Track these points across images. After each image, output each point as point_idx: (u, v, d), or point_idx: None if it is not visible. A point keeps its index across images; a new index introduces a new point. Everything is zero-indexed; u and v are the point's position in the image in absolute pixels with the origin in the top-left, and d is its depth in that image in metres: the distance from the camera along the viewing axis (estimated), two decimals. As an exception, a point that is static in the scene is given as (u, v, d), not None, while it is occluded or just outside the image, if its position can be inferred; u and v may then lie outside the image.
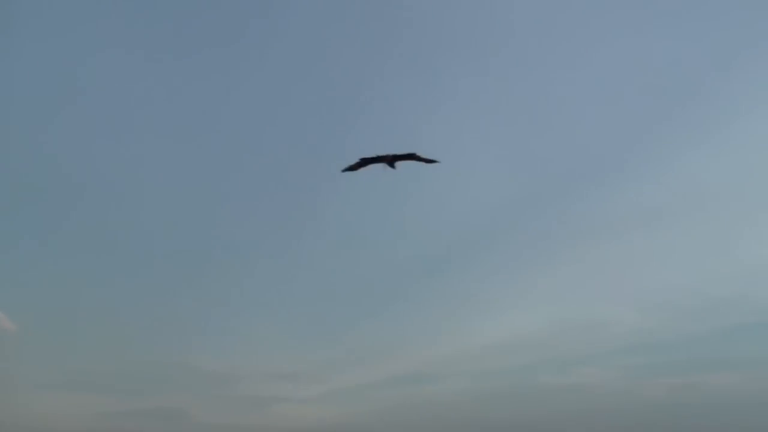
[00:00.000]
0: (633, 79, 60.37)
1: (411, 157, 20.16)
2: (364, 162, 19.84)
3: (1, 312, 41.71)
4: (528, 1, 62.46)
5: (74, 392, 43.07)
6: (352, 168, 20.07)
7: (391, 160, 20.10)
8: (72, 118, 54.65)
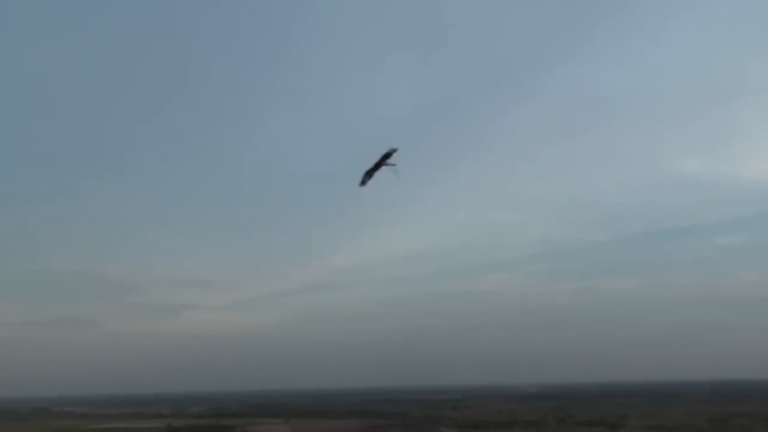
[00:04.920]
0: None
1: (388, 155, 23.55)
2: (370, 173, 23.15)
3: None
4: None
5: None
6: (364, 181, 23.30)
7: (380, 163, 23.46)
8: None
